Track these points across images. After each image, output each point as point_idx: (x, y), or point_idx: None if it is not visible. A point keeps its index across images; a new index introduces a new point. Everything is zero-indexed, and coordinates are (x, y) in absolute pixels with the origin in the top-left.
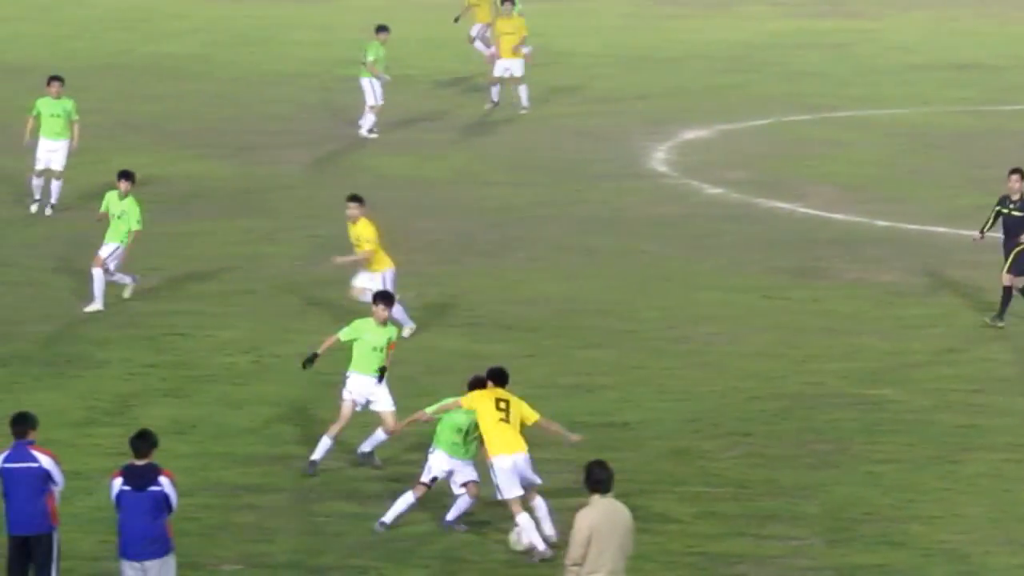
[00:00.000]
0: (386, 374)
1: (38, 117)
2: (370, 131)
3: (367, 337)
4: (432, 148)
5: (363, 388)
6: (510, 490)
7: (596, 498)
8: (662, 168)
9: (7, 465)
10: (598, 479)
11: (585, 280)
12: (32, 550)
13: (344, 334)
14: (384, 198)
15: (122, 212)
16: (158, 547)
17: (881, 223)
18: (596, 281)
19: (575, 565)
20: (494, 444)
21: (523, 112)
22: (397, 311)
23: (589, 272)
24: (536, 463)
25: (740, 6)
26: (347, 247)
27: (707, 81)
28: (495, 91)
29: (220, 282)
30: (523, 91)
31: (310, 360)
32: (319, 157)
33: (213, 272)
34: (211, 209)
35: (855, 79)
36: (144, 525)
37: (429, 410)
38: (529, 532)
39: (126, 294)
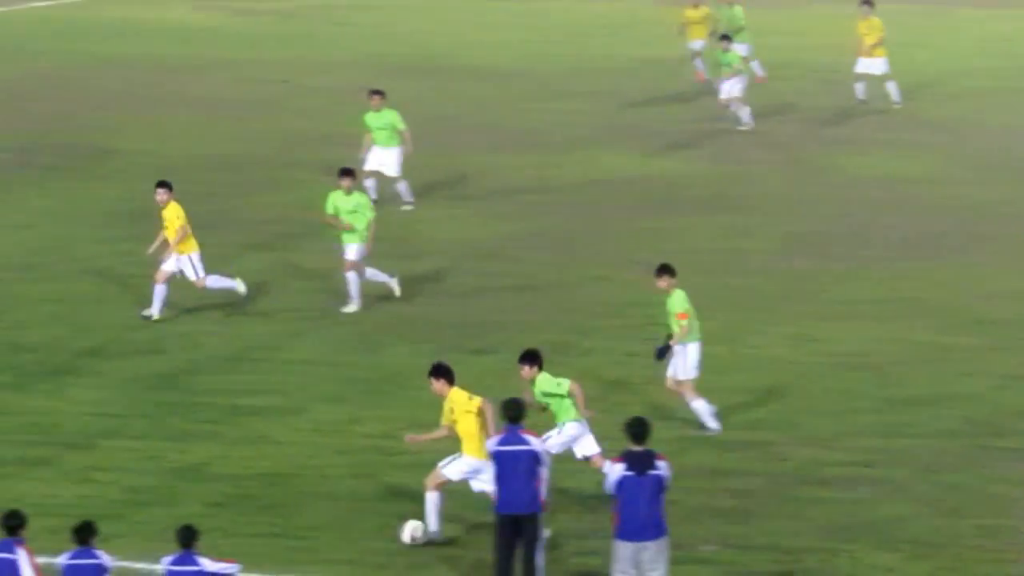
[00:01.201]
0: (670, 349)
1: (371, 131)
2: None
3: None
4: (901, 148)
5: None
6: (456, 476)
7: None
8: None
9: (501, 448)
10: None
11: None
12: (522, 529)
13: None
14: (854, 196)
15: (355, 207)
16: (658, 529)
17: None
18: None
19: None
20: (476, 448)
21: (896, 106)
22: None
23: None
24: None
25: None
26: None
27: None
28: (860, 88)
29: (698, 275)
30: (892, 87)
31: (663, 351)
32: (791, 156)
33: (690, 266)
34: (688, 206)
35: None
36: (646, 508)
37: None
38: (430, 515)
39: (397, 292)
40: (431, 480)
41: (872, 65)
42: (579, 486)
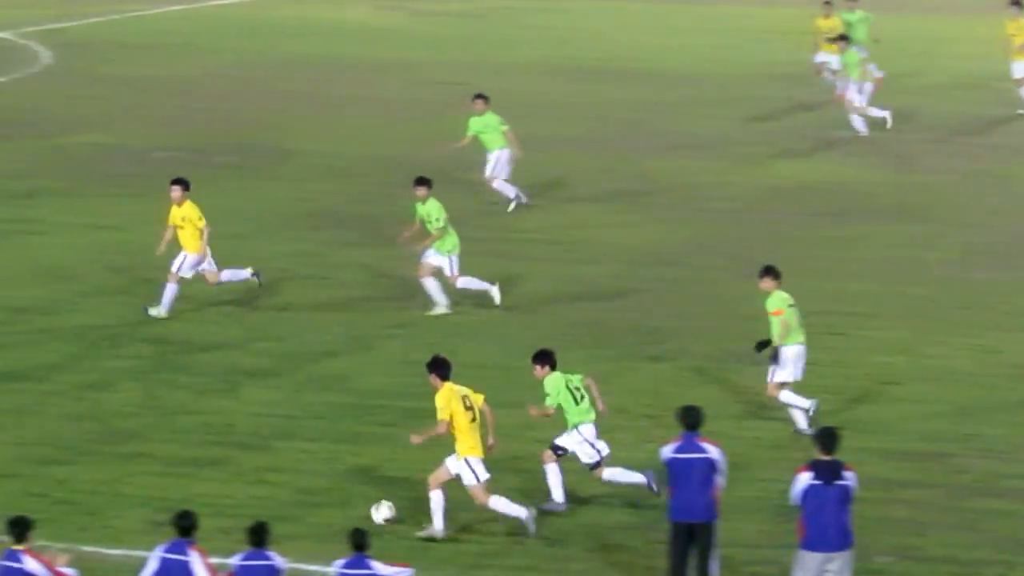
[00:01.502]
0: (769, 346)
1: (475, 136)
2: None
3: None
4: None
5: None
6: (484, 475)
7: None
8: None
9: (677, 455)
10: None
11: None
12: (696, 537)
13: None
14: None
15: (426, 215)
16: (845, 540)
17: None
18: None
19: None
20: (469, 446)
21: (1020, 112)
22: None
23: None
24: None
25: None
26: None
27: None
28: None
29: (878, 284)
30: None
31: (763, 345)
32: (971, 166)
33: (871, 275)
34: (870, 215)
35: None
36: (834, 517)
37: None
38: (506, 508)
39: (445, 310)
40: (482, 494)
41: (1020, 68)
42: (758, 495)
